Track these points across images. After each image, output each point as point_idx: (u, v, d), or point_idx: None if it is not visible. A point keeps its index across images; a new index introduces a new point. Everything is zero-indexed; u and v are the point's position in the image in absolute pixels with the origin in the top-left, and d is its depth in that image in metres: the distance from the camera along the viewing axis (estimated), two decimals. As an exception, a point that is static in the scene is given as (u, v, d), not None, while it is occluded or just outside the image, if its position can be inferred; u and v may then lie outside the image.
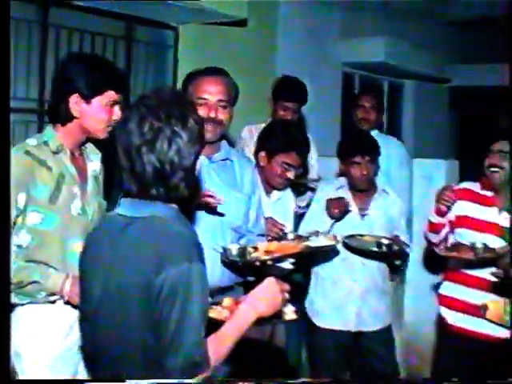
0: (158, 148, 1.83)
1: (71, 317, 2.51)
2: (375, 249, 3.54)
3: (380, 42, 7.34)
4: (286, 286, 2.04)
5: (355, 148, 3.66)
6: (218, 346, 1.89)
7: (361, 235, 3.61)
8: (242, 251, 2.78)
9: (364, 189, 3.70)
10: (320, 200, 3.75)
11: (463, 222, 3.48)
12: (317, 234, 3.28)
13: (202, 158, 2.71)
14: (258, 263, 2.76)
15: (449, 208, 3.43)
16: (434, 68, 8.58)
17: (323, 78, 6.75)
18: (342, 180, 3.81)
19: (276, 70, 6.29)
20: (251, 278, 3.02)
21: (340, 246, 3.59)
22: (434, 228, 3.53)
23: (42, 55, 4.80)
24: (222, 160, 2.97)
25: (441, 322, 3.65)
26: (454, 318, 3.53)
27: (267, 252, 2.81)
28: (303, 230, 3.60)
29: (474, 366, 3.48)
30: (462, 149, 9.00)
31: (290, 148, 3.45)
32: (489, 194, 3.49)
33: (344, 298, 3.72)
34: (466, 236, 3.42)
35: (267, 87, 5.20)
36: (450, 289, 3.58)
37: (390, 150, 4.44)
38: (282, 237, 3.28)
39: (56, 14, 4.86)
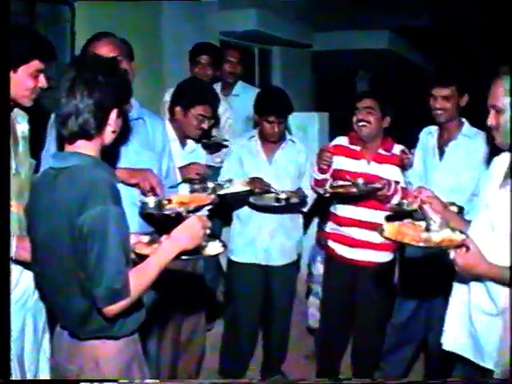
0: (77, 95, 2.05)
1: (15, 272, 2.62)
2: (275, 204, 3.83)
3: (252, 13, 7.66)
4: (208, 223, 2.19)
5: (269, 107, 3.89)
6: (141, 277, 2.06)
7: (266, 191, 3.84)
8: (158, 204, 2.86)
9: (274, 141, 3.98)
10: (234, 152, 4.08)
11: (340, 174, 3.81)
12: (230, 181, 3.58)
13: None
14: (173, 215, 2.83)
15: (329, 165, 3.78)
16: (298, 35, 8.98)
17: None
18: (254, 131, 4.09)
19: (162, 41, 6.66)
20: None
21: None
22: (319, 184, 3.88)
23: None
24: (135, 119, 3.09)
25: (328, 251, 4.07)
26: (339, 249, 3.97)
27: (181, 204, 2.87)
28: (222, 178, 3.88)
29: (355, 286, 3.97)
30: (320, 105, 9.47)
31: (204, 100, 3.58)
32: (357, 148, 3.86)
33: (254, 235, 4.01)
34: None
35: (154, 55, 5.53)
36: (333, 227, 4.01)
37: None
38: (202, 182, 3.46)
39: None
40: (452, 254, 2.36)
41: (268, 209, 3.93)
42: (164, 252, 2.13)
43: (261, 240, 4.04)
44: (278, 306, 4.24)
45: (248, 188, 3.64)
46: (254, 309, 4.21)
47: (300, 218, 4.21)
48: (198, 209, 2.94)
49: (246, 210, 4.05)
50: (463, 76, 3.72)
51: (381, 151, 3.86)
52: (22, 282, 2.65)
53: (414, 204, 2.77)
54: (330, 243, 4.04)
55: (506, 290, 2.23)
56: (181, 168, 3.58)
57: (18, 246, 2.51)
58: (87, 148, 2.13)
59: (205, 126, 3.64)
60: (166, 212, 2.84)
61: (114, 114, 2.14)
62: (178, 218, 2.77)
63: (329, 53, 9.83)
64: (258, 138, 4.03)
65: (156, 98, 4.98)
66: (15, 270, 2.61)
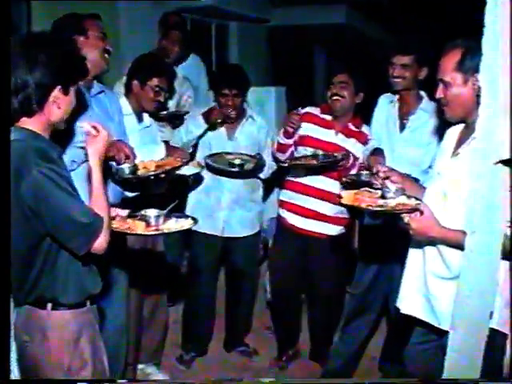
0: (18, 72, 2.11)
1: None
2: (230, 169, 3.89)
3: (207, -14, 7.59)
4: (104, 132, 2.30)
5: (224, 81, 3.95)
6: (98, 203, 2.17)
7: (226, 152, 3.93)
8: (133, 169, 3.00)
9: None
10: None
11: (305, 140, 3.87)
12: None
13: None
14: (152, 177, 3.04)
15: (295, 130, 3.81)
16: (255, 10, 9.01)
17: None
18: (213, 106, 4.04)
19: (119, 17, 6.54)
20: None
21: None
22: (282, 148, 3.89)
23: None
24: (98, 93, 3.19)
25: (280, 220, 4.11)
26: (291, 219, 4.02)
27: (158, 167, 3.07)
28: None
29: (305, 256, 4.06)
30: (277, 80, 9.45)
31: (161, 72, 3.65)
32: (328, 117, 3.92)
33: (214, 207, 4.08)
34: (309, 152, 3.81)
35: (110, 36, 5.50)
36: (288, 196, 4.04)
37: None
38: None
39: None
40: (406, 219, 2.46)
41: (226, 175, 3.99)
42: (94, 170, 2.23)
43: (220, 212, 4.10)
44: (242, 278, 4.31)
45: (199, 169, 3.70)
46: (213, 279, 4.30)
47: (260, 190, 4.27)
48: (170, 171, 3.10)
49: (206, 183, 4.10)
50: (424, 49, 3.77)
51: (350, 126, 3.93)
52: None
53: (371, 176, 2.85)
54: (283, 212, 4.09)
55: (459, 253, 2.32)
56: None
57: None
58: (28, 124, 2.19)
59: (161, 98, 3.68)
60: (141, 176, 2.99)
61: (56, 91, 2.18)
62: (154, 181, 3.05)
63: (286, 28, 9.87)
64: None
65: (113, 74, 4.92)
66: None
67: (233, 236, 4.15)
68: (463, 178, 2.39)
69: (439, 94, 2.59)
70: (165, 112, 4.31)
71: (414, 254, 2.75)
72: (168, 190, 3.61)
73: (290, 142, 3.88)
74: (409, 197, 2.55)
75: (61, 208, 2.07)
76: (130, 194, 3.29)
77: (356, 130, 3.93)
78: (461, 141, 2.62)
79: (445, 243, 2.51)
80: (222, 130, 4.06)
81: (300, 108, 3.94)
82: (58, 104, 2.20)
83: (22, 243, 2.16)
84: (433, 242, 2.58)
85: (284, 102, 5.60)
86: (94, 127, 2.29)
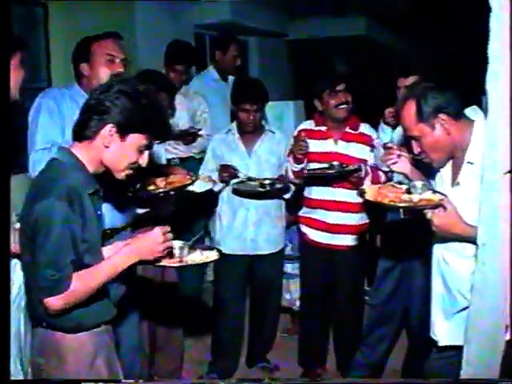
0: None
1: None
2: (260, 189, 3.84)
3: (225, 3, 7.64)
4: (169, 237, 2.24)
5: (245, 97, 3.91)
6: (87, 279, 2.10)
7: (249, 179, 3.89)
8: (143, 185, 2.99)
9: (250, 131, 4.00)
10: (212, 147, 4.11)
11: (309, 157, 3.81)
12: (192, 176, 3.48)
13: None
14: (161, 194, 3.03)
15: (306, 152, 3.74)
16: (273, 24, 8.98)
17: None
18: (231, 125, 4.11)
19: (136, 36, 6.57)
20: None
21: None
22: (298, 175, 3.84)
23: None
24: None
25: (302, 236, 4.11)
26: (312, 234, 4.01)
27: (168, 184, 3.05)
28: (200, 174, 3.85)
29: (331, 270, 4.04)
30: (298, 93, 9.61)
31: (159, 89, 3.52)
32: (323, 128, 3.89)
33: (241, 229, 4.05)
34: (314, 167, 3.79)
35: (128, 52, 5.54)
36: (306, 212, 4.04)
37: None
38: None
39: None
40: (429, 214, 2.42)
41: (251, 196, 3.96)
42: (119, 259, 2.18)
43: (247, 232, 4.07)
44: (267, 294, 4.29)
45: (210, 185, 3.73)
46: (240, 298, 4.27)
47: (283, 207, 4.23)
48: (180, 188, 3.08)
49: (230, 203, 4.09)
50: (427, 66, 3.74)
51: (348, 130, 3.91)
52: (16, 281, 2.67)
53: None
54: (304, 228, 4.08)
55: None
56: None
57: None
58: (76, 148, 2.21)
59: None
60: (151, 192, 2.99)
61: (107, 130, 2.17)
62: (163, 198, 3.07)
63: (305, 41, 9.84)
64: (236, 132, 4.04)
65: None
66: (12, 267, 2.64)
67: (259, 253, 4.13)
68: (468, 204, 2.39)
69: (416, 150, 2.55)
70: (177, 130, 4.30)
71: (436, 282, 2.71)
72: (178, 209, 3.59)
73: (303, 165, 3.83)
74: (434, 192, 2.51)
75: (43, 249, 2.07)
76: (140, 211, 3.29)
77: (355, 132, 3.91)
78: (456, 169, 2.58)
79: (468, 240, 2.43)
80: (241, 146, 4.04)
81: (300, 130, 3.95)
82: (104, 142, 2.19)
83: (30, 262, 2.17)
84: (455, 238, 2.51)
85: (303, 116, 5.57)
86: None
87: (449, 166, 2.61)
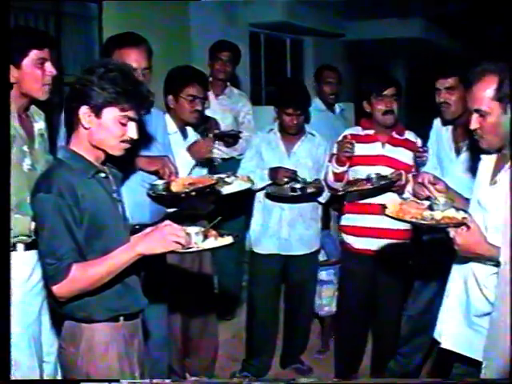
0: None
1: (31, 261, 2.76)
2: (291, 193, 3.85)
3: (280, 4, 7.69)
4: (181, 232, 2.17)
5: (289, 101, 3.91)
6: (88, 269, 2.13)
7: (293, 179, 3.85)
8: (167, 185, 3.02)
9: (293, 133, 4.02)
10: (253, 145, 4.14)
11: (354, 161, 3.76)
12: (229, 176, 3.56)
13: None
14: (183, 195, 3.03)
15: (351, 155, 3.70)
16: (329, 25, 9.01)
17: (233, 38, 6.88)
18: (274, 124, 4.12)
19: (190, 35, 6.76)
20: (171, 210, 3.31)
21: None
22: (338, 177, 3.79)
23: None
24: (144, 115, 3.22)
25: (344, 245, 4.04)
26: (355, 242, 3.92)
27: (189, 184, 3.05)
28: (240, 173, 3.89)
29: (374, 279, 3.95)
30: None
31: (191, 80, 3.63)
32: (370, 132, 3.84)
33: (276, 228, 4.07)
34: (360, 172, 3.74)
35: (183, 51, 5.59)
36: (348, 219, 3.96)
37: None
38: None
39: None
40: (452, 233, 2.35)
41: (285, 199, 3.97)
42: (118, 253, 2.18)
43: (281, 231, 4.08)
44: (301, 295, 4.28)
45: (249, 185, 3.67)
46: (274, 298, 4.27)
47: (319, 209, 4.23)
48: (203, 189, 3.08)
49: (266, 203, 4.10)
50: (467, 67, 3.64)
51: (394, 135, 3.87)
52: (38, 267, 2.74)
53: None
54: (346, 238, 4.03)
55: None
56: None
57: None
58: (72, 142, 2.28)
59: (198, 106, 3.67)
60: (174, 192, 3.00)
61: (82, 112, 2.21)
62: (186, 198, 3.03)
63: (362, 42, 9.84)
64: (278, 131, 4.07)
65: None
66: (31, 256, 2.75)
67: (293, 254, 4.13)
68: (503, 205, 2.32)
69: (475, 124, 2.43)
70: (217, 131, 4.37)
71: (455, 286, 2.66)
72: (216, 208, 3.62)
73: (345, 168, 3.80)
74: (457, 210, 2.43)
75: (42, 240, 2.17)
76: (168, 210, 3.32)
77: (401, 137, 3.87)
78: (497, 168, 2.50)
79: (491, 260, 2.37)
80: (281, 146, 4.06)
81: (345, 134, 3.88)
82: (88, 123, 2.22)
83: None
84: (478, 259, 2.44)
85: (352, 118, 5.59)
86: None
87: (490, 164, 2.54)
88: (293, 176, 3.89)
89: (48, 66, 2.72)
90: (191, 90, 3.64)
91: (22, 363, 2.74)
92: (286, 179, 3.88)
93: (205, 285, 3.94)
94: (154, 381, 2.44)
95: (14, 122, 2.70)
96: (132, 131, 2.28)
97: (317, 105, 5.15)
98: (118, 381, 2.21)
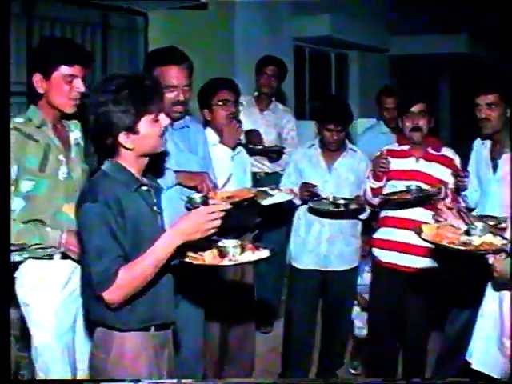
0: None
1: (67, 269, 2.80)
2: (333, 209, 3.84)
3: (325, 18, 7.73)
4: (214, 215, 2.16)
5: (330, 118, 3.92)
6: (133, 268, 2.14)
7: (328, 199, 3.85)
8: (204, 199, 2.98)
9: (333, 149, 4.02)
10: (294, 160, 4.15)
11: (390, 175, 3.79)
12: (273, 188, 3.58)
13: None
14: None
15: (386, 171, 3.74)
16: (374, 40, 8.92)
17: (277, 52, 6.75)
18: (315, 140, 4.13)
19: (235, 48, 6.79)
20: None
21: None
22: (376, 192, 3.83)
23: (28, 44, 5.05)
24: (181, 128, 3.21)
25: (375, 260, 4.02)
26: (387, 257, 3.90)
27: (226, 198, 3.01)
28: (282, 186, 3.89)
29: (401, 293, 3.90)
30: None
31: (221, 86, 3.65)
32: (405, 147, 3.84)
33: (314, 242, 4.06)
34: (396, 187, 3.75)
35: (227, 64, 5.63)
36: (383, 233, 3.94)
37: None
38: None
39: (39, 7, 5.19)
40: (491, 260, 2.31)
41: (327, 214, 3.96)
42: (158, 244, 2.18)
43: (320, 247, 4.08)
44: (339, 312, 4.28)
45: (291, 197, 3.67)
46: (312, 313, 4.26)
47: (359, 226, 4.20)
48: (241, 202, 3.05)
49: (306, 218, 4.10)
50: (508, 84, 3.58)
51: (430, 150, 3.84)
52: (74, 276, 2.79)
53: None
54: (379, 252, 4.00)
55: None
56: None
57: (68, 243, 2.71)
58: (116, 152, 2.30)
59: (232, 109, 3.66)
60: None
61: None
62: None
63: (407, 57, 9.75)
64: (319, 147, 4.08)
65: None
66: (67, 264, 2.79)
67: (332, 270, 4.11)
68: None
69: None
70: (260, 147, 4.41)
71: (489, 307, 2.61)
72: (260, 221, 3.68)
73: (382, 184, 3.83)
74: (495, 235, 2.37)
75: (88, 249, 2.18)
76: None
77: (437, 153, 3.84)
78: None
79: None
80: (322, 162, 4.06)
81: (383, 150, 3.88)
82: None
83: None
84: None
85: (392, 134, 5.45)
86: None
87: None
88: (314, 191, 3.89)
89: (77, 82, 2.73)
90: (221, 95, 3.64)
91: (54, 371, 2.77)
92: (307, 194, 3.89)
93: (246, 295, 3.95)
94: (174, 380, 2.39)
95: (49, 133, 2.75)
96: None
97: (381, 127, 5.18)
98: (123, 381, 2.22)
